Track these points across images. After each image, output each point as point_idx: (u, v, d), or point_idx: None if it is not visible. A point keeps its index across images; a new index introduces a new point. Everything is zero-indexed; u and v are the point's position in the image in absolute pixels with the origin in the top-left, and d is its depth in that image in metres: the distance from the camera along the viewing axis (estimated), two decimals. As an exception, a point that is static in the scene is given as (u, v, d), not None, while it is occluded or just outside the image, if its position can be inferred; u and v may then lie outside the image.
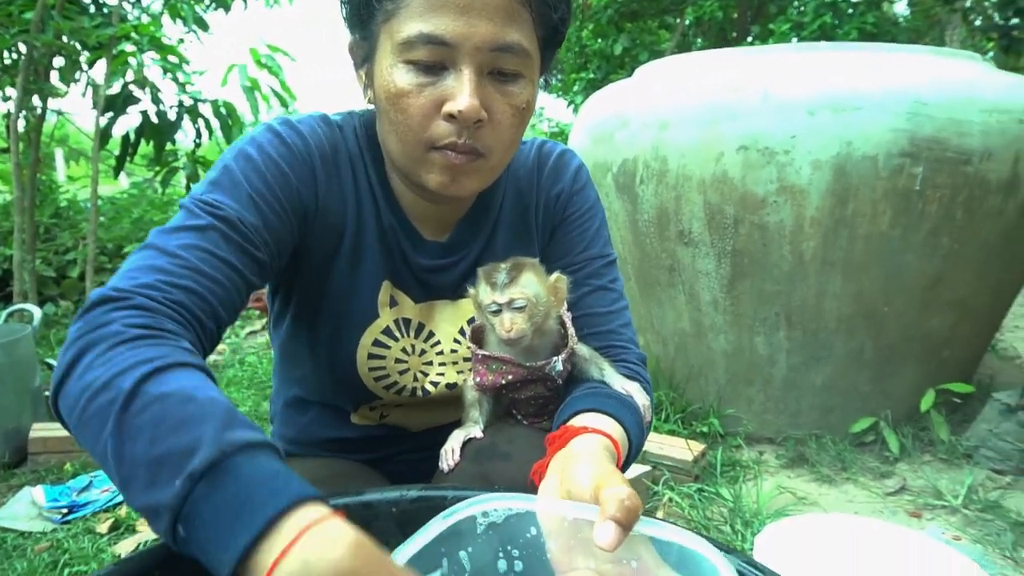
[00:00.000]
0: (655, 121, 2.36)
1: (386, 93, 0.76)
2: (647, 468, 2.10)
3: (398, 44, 0.73)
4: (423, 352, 0.91)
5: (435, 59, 0.73)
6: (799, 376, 2.41)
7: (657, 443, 2.25)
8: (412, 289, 0.90)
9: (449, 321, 0.93)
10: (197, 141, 4.11)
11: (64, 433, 2.34)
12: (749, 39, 7.70)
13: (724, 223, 2.27)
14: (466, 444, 0.88)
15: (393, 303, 0.89)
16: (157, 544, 0.61)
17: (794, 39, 6.84)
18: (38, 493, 2.04)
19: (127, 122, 3.94)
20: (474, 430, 0.89)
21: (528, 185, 0.94)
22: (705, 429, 2.46)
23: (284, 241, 0.79)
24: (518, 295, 0.81)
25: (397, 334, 0.90)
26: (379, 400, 0.93)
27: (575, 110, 9.81)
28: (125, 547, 1.79)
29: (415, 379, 0.91)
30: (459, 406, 0.93)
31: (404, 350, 0.90)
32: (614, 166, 2.51)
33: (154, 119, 3.88)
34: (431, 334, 0.92)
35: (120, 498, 2.08)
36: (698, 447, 2.22)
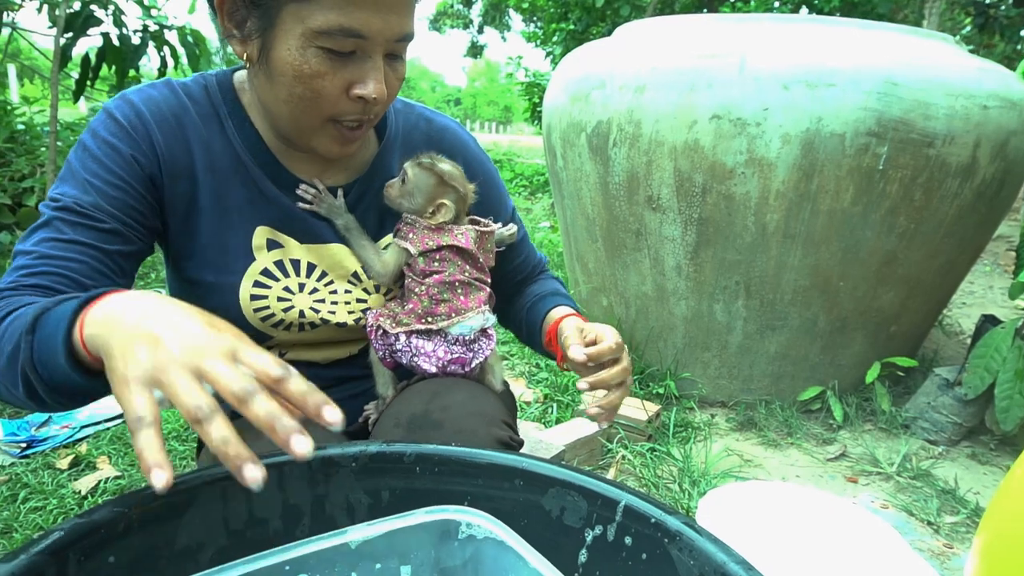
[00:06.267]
0: (632, 84, 2.36)
1: (295, 71, 0.79)
2: (603, 426, 2.17)
3: (312, 30, 0.76)
4: (315, 290, 0.95)
5: (349, 48, 0.78)
6: (754, 344, 2.49)
7: (614, 402, 2.32)
8: (296, 232, 0.94)
9: (342, 264, 0.97)
10: (162, 69, 3.96)
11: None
12: (731, 0, 7.63)
13: (692, 191, 2.30)
14: (403, 409, 0.92)
15: (274, 246, 0.92)
16: (132, 493, 0.63)
17: (775, 3, 6.80)
18: (-5, 426, 2.03)
19: (87, 43, 3.77)
20: (380, 400, 0.99)
21: (414, 153, 0.99)
22: (661, 391, 2.54)
23: (133, 207, 0.84)
24: (411, 172, 0.95)
25: (278, 274, 0.92)
26: (271, 339, 0.96)
27: (553, 61, 9.66)
28: (85, 483, 1.80)
29: (301, 315, 0.94)
30: (355, 340, 1.02)
31: (287, 288, 0.93)
32: (588, 127, 2.51)
33: (116, 42, 3.73)
34: (324, 274, 0.95)
35: (80, 435, 2.09)
36: (653, 408, 2.30)
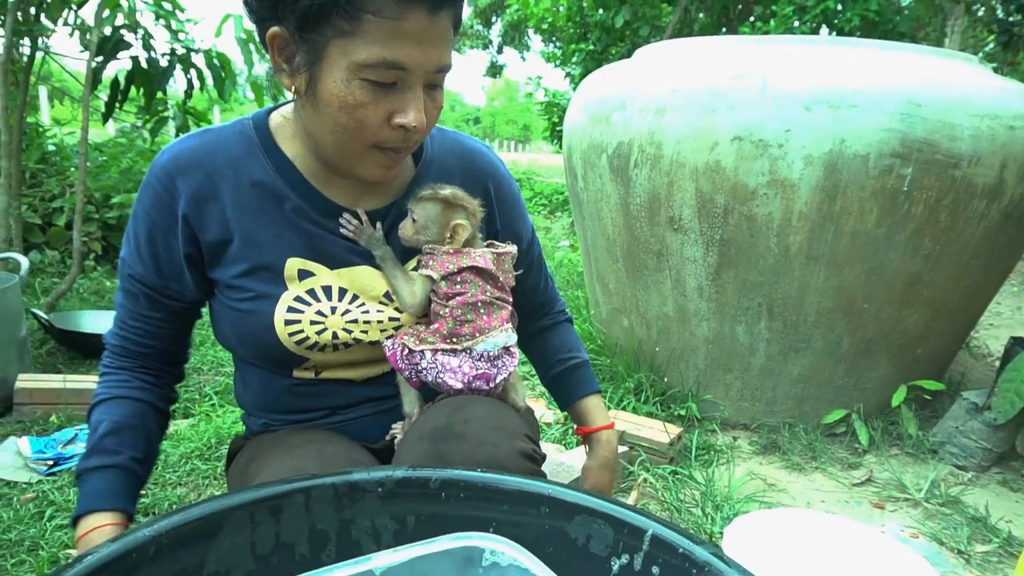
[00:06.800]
0: (653, 106, 2.36)
1: (340, 102, 0.84)
2: (624, 448, 2.16)
3: (356, 63, 0.81)
4: (347, 311, 0.97)
5: (390, 80, 0.83)
6: (777, 366, 2.46)
7: (635, 424, 2.30)
8: (326, 259, 0.98)
9: (372, 285, 0.99)
10: (188, 91, 4.04)
11: (50, 385, 2.35)
12: (751, 19, 7.64)
13: (714, 212, 2.30)
14: (426, 423, 0.94)
15: (305, 275, 0.96)
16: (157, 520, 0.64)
17: (796, 23, 6.79)
18: (24, 444, 2.06)
19: (115, 66, 3.87)
20: (407, 418, 1.02)
21: (448, 175, 1.05)
22: (682, 412, 2.52)
23: (170, 266, 0.96)
24: (418, 209, 0.98)
25: (310, 300, 0.96)
26: (308, 360, 1.00)
27: (572, 81, 9.71)
28: (109, 501, 1.82)
29: (335, 336, 0.97)
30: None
31: (319, 312, 0.96)
32: (609, 148, 2.52)
33: (144, 65, 3.82)
34: (355, 296, 0.98)
35: (104, 452, 2.11)
36: (675, 430, 2.28)
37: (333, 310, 0.96)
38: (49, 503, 1.82)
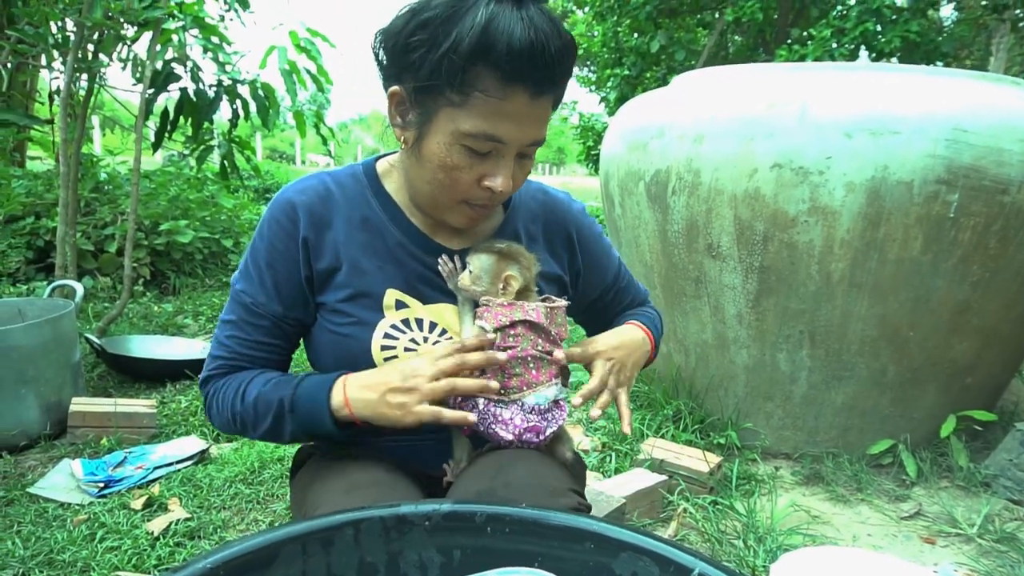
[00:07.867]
0: (691, 133, 2.37)
1: (440, 162, 0.94)
2: (663, 478, 2.14)
3: (460, 131, 0.90)
4: (437, 343, 1.04)
5: (487, 149, 0.92)
6: (819, 394, 2.42)
7: (674, 453, 2.28)
8: (419, 294, 1.06)
9: (457, 322, 1.06)
10: (233, 120, 4.18)
11: (102, 408, 2.43)
12: (788, 42, 7.58)
13: (753, 239, 2.28)
14: (470, 486, 0.97)
15: (401, 306, 1.04)
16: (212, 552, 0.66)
17: (834, 45, 6.72)
18: (76, 466, 2.13)
19: (164, 96, 4.01)
20: (456, 463, 1.07)
21: (532, 220, 1.14)
22: (722, 441, 2.48)
23: (291, 293, 1.04)
24: (473, 260, 1.04)
25: (405, 329, 1.03)
26: None
27: (607, 106, 9.76)
28: (157, 525, 1.86)
29: None
30: None
31: (413, 340, 1.03)
32: (647, 175, 2.53)
33: (192, 97, 3.96)
34: (444, 331, 1.05)
35: (153, 476, 2.17)
36: (715, 459, 2.25)
37: (425, 340, 1.04)
38: (100, 525, 1.87)
